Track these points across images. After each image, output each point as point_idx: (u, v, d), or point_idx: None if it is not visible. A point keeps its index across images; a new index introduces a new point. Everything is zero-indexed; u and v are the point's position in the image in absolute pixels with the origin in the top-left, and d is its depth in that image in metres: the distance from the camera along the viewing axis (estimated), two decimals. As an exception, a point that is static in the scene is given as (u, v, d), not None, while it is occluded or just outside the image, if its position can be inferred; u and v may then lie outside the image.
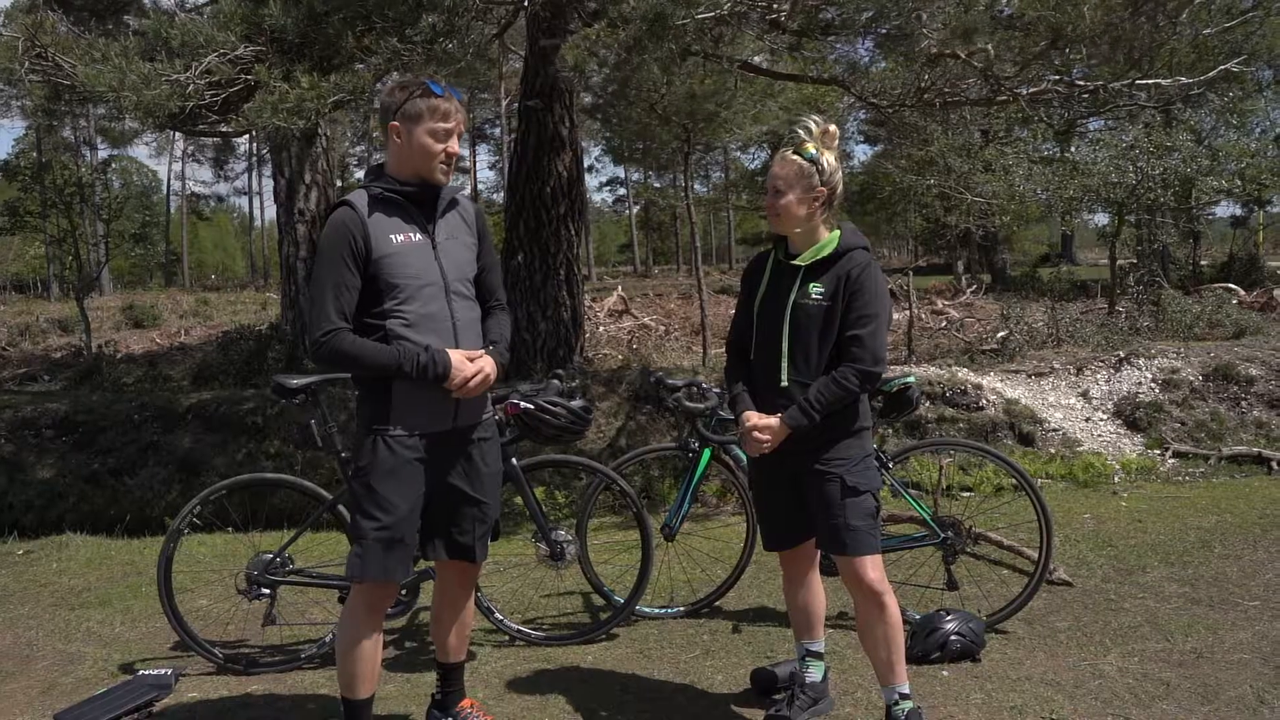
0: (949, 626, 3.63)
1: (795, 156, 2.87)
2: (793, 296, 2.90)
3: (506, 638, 4.04)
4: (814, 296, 2.87)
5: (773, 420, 2.87)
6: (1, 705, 3.59)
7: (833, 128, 2.91)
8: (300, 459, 6.47)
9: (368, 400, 2.77)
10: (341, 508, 3.69)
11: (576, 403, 3.71)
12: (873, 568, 2.88)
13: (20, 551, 5.80)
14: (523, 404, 3.64)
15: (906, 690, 2.91)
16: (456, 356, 2.70)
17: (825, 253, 2.89)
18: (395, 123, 2.72)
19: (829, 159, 2.89)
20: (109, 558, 5.55)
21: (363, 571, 2.74)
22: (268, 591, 3.77)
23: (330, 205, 2.94)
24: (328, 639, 3.80)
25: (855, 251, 2.89)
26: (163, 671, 3.68)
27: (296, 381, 3.50)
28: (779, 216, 2.91)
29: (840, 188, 2.91)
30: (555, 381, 3.88)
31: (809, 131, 2.90)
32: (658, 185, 52.88)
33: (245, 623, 4.10)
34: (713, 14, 5.59)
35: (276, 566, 3.78)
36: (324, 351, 2.65)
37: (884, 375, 2.97)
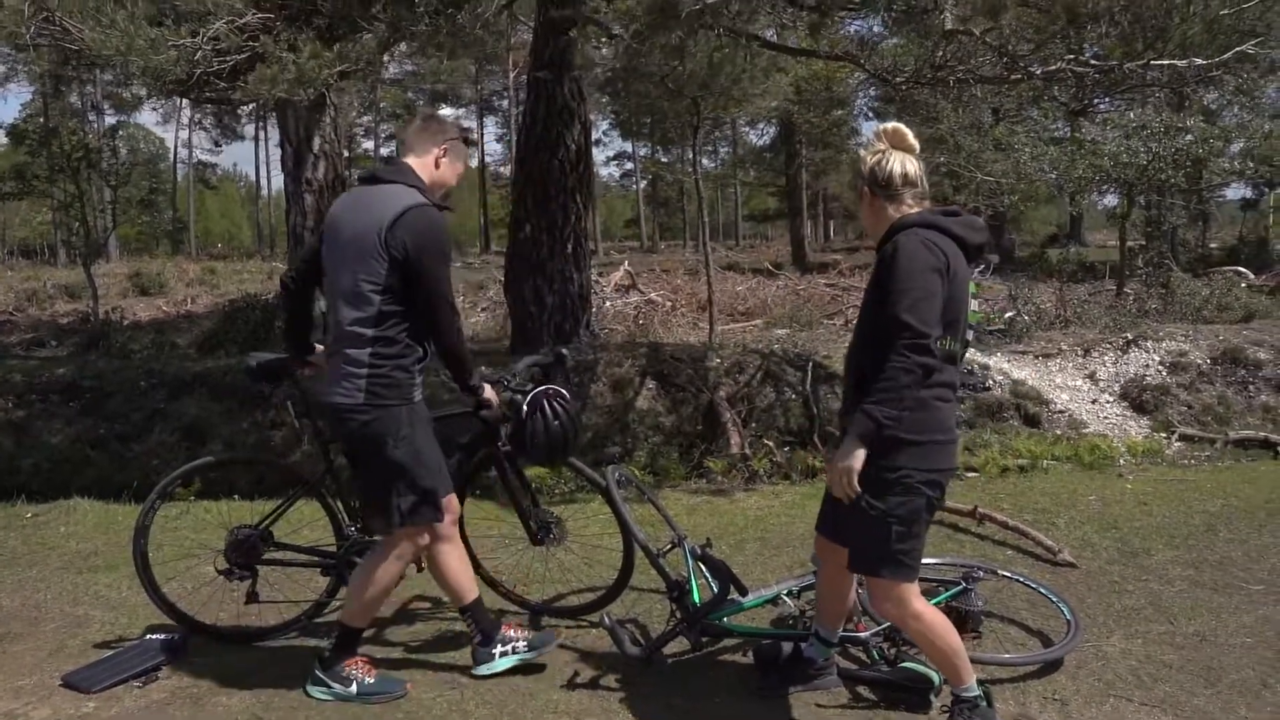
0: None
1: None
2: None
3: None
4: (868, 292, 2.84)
5: (838, 459, 2.70)
6: (10, 666, 3.62)
7: (888, 126, 2.91)
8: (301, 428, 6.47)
9: (395, 376, 3.16)
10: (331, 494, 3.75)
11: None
12: (884, 596, 2.87)
13: (28, 515, 5.83)
14: (545, 402, 3.54)
15: (965, 692, 2.87)
16: None
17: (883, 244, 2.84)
18: (447, 146, 3.37)
19: (870, 157, 2.89)
20: (116, 523, 5.57)
21: (423, 516, 3.25)
22: (248, 573, 3.76)
23: (429, 206, 3.18)
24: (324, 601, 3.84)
25: (897, 235, 2.76)
26: (171, 636, 3.70)
27: (262, 359, 3.55)
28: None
29: (889, 177, 2.84)
30: (517, 396, 3.65)
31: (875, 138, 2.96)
32: (665, 160, 52.70)
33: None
34: (727, -2, 5.52)
35: (256, 545, 3.75)
36: (458, 342, 3.25)
37: (934, 343, 2.61)
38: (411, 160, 3.33)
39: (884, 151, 2.88)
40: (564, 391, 3.61)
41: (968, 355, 7.26)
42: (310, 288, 3.48)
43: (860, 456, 2.65)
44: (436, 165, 3.35)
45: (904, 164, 2.85)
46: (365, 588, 3.33)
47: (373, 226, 3.11)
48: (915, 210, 2.84)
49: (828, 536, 3.09)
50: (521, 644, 3.48)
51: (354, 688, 3.33)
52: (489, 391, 3.54)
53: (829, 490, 2.91)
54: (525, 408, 3.54)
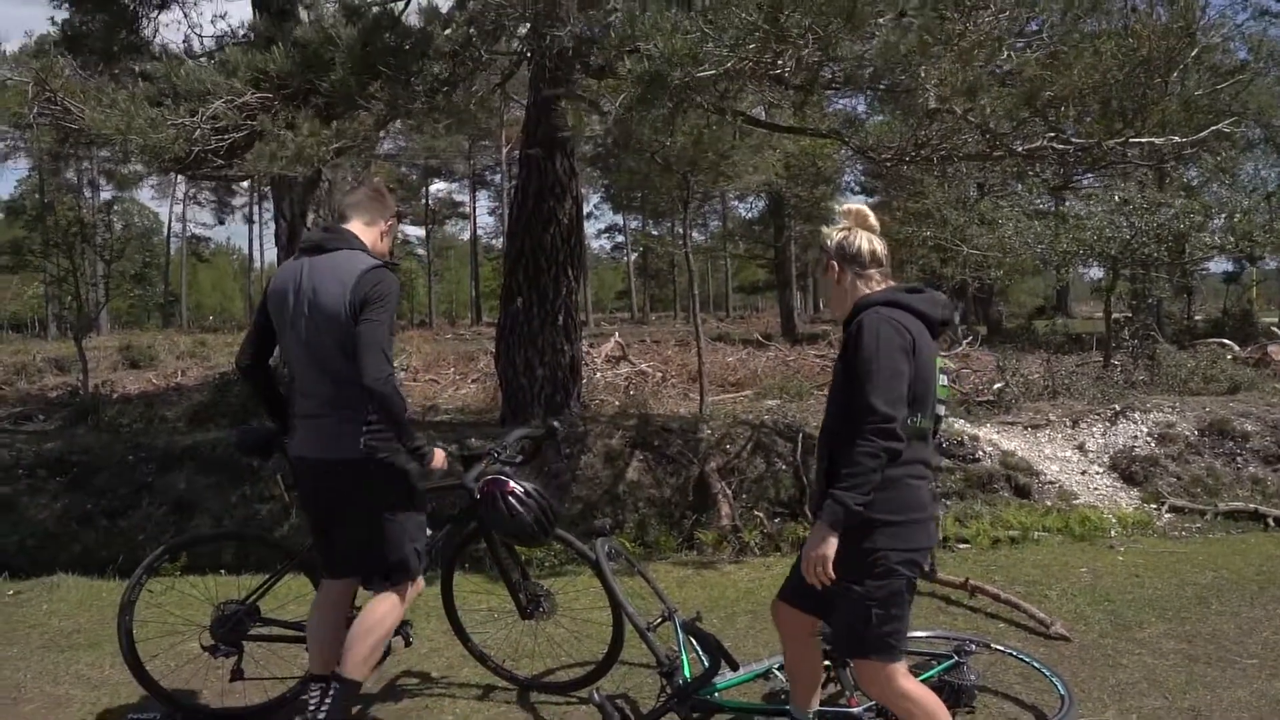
0: None
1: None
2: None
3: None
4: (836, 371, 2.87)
5: (809, 547, 2.71)
6: (-13, 749, 3.54)
7: (851, 207, 3.01)
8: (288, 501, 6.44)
9: (384, 427, 3.20)
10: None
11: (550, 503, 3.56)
12: (872, 678, 2.86)
13: (10, 592, 5.75)
14: (512, 484, 3.45)
15: None
16: None
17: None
18: (391, 222, 3.58)
19: (837, 233, 2.97)
20: (100, 599, 5.50)
21: (419, 570, 3.39)
22: (234, 649, 3.69)
23: (384, 267, 3.31)
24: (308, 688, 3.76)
25: (863, 314, 2.78)
26: (153, 715, 3.64)
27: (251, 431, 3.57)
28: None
29: (857, 252, 2.91)
30: (506, 468, 3.63)
31: (840, 216, 3.04)
32: (655, 233, 53.30)
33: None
34: (712, 73, 5.66)
35: (242, 621, 3.70)
36: (390, 385, 3.14)
37: (901, 417, 2.63)
38: (357, 226, 3.44)
39: (850, 229, 2.96)
40: (512, 483, 3.47)
41: (957, 426, 7.33)
42: (265, 364, 3.55)
43: (832, 544, 2.67)
44: (381, 238, 3.52)
45: (871, 241, 2.93)
46: (367, 633, 3.29)
47: (340, 294, 3.19)
48: (881, 288, 2.90)
49: (789, 602, 3.05)
50: None
51: None
52: (437, 455, 3.40)
53: (799, 561, 2.89)
54: (477, 495, 3.50)
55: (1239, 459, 7.31)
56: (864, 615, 2.75)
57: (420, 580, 3.47)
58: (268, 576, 3.82)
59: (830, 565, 2.68)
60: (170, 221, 52.78)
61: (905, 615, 2.84)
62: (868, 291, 2.89)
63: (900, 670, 2.83)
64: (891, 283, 2.94)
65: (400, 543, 3.32)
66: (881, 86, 6.90)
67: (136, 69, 7.99)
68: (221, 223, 56.61)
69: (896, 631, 2.80)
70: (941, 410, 2.89)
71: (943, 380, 2.86)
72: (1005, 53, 5.57)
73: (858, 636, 2.80)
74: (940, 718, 2.82)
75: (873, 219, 2.99)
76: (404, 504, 3.30)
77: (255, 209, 52.48)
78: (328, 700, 3.23)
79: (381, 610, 3.33)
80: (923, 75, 6.02)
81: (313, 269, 3.30)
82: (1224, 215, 12.88)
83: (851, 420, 2.66)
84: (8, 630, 5.01)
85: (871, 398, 2.60)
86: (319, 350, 3.24)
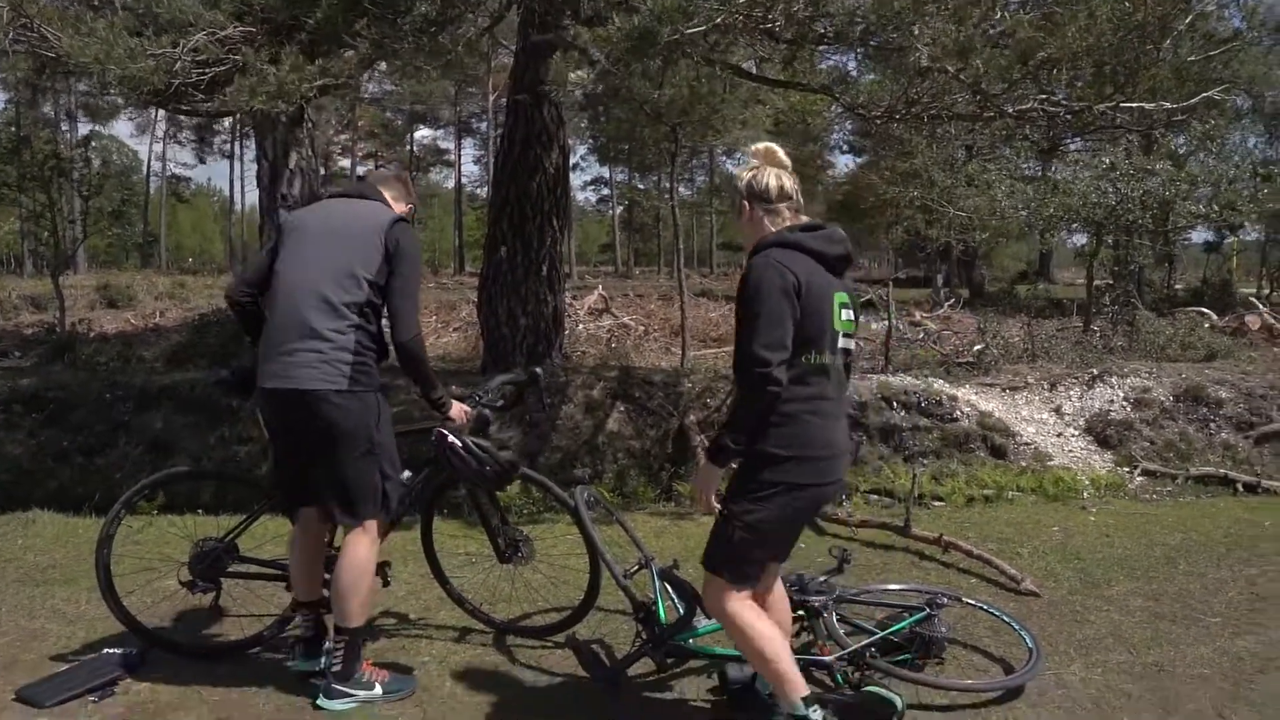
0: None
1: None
2: None
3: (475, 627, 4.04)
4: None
5: (696, 480, 2.94)
6: (-38, 679, 3.54)
7: (760, 146, 3.02)
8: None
9: (369, 366, 3.28)
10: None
11: (505, 454, 3.57)
12: (713, 593, 2.92)
13: (-15, 527, 5.73)
14: (451, 438, 3.48)
15: (793, 710, 2.85)
16: None
17: None
18: (411, 207, 3.69)
19: (746, 173, 2.99)
20: (76, 535, 5.48)
21: (389, 511, 3.42)
22: (212, 585, 3.70)
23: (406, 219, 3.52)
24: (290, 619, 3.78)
25: (755, 255, 2.84)
26: (130, 650, 3.65)
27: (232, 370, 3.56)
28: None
29: (765, 189, 2.90)
30: (486, 411, 3.71)
31: (750, 156, 3.05)
32: (642, 187, 53.02)
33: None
34: (703, 28, 5.58)
35: (221, 558, 3.70)
36: (420, 344, 3.36)
37: (782, 361, 2.66)
38: (387, 197, 3.57)
39: (759, 167, 2.97)
40: (451, 437, 3.48)
41: (936, 386, 7.38)
42: (260, 300, 3.53)
43: (714, 476, 2.83)
44: (410, 195, 3.74)
45: (779, 178, 2.93)
46: (352, 582, 3.32)
47: (373, 224, 3.35)
48: (790, 223, 2.91)
49: None
50: (377, 687, 3.39)
51: (378, 689, 3.36)
52: (455, 407, 3.57)
53: None
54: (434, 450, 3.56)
55: (1212, 425, 7.40)
56: (726, 533, 2.85)
57: (387, 519, 3.47)
58: (246, 515, 3.82)
59: (711, 496, 2.85)
60: (150, 160, 52.08)
61: (771, 547, 2.91)
62: (772, 230, 2.89)
63: (741, 597, 2.89)
64: (804, 218, 2.94)
65: (363, 479, 3.31)
66: (873, 44, 6.85)
67: (115, 1, 7.81)
68: (202, 161, 55.81)
69: (755, 560, 2.88)
70: (848, 344, 2.90)
71: (845, 315, 2.86)
72: (999, 12, 5.51)
73: (714, 550, 2.91)
74: (770, 648, 2.84)
75: (782, 155, 2.99)
76: (368, 441, 3.28)
77: (236, 148, 51.80)
78: (337, 654, 3.34)
79: (359, 557, 3.33)
80: (915, 34, 5.97)
81: (347, 206, 3.51)
82: (1209, 184, 12.91)
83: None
84: (-17, 564, 5.00)
85: (748, 342, 2.68)
86: (320, 274, 3.27)
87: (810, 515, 2.90)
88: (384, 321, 3.39)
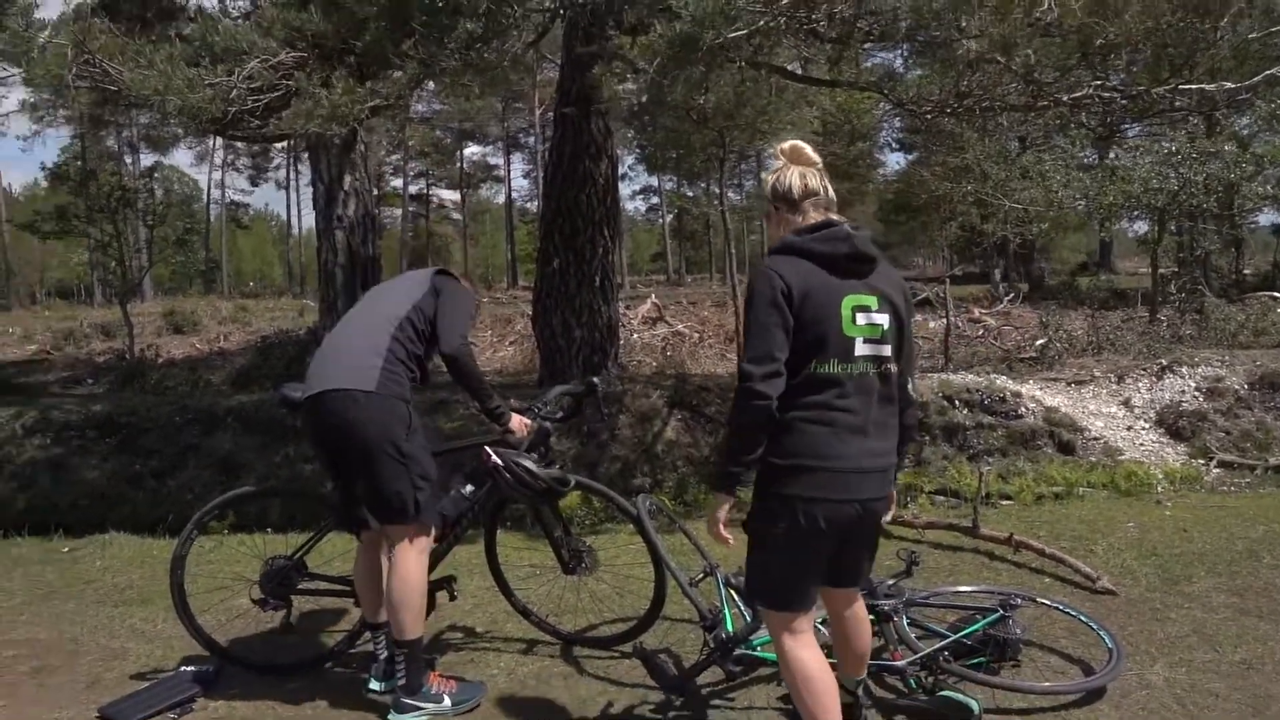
0: None
1: None
2: None
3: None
4: None
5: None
6: (48, 699, 3.64)
7: (785, 144, 2.83)
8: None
9: (400, 377, 3.38)
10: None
11: (550, 471, 3.58)
12: (767, 620, 2.79)
13: (65, 549, 5.90)
14: (495, 459, 3.50)
15: None
16: None
17: None
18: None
19: (771, 176, 2.81)
20: (151, 556, 5.62)
21: (431, 513, 3.43)
22: (283, 603, 3.77)
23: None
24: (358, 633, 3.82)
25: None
26: (205, 668, 3.72)
27: (297, 389, 3.56)
28: None
29: (788, 189, 2.73)
30: (546, 424, 3.75)
31: (775, 156, 2.88)
32: (691, 194, 52.95)
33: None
34: (745, 31, 5.54)
35: (290, 575, 3.76)
36: (466, 350, 3.43)
37: (769, 374, 2.51)
38: None
39: (784, 167, 2.79)
40: (495, 457, 3.51)
41: (999, 383, 7.23)
42: None
43: (718, 503, 2.69)
44: None
45: (803, 177, 2.74)
46: (402, 596, 3.34)
47: (419, 276, 3.67)
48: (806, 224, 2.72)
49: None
50: (446, 699, 3.39)
51: (447, 701, 3.38)
52: (515, 420, 3.60)
53: None
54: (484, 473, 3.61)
55: (1291, 413, 7.15)
56: (750, 556, 2.72)
57: (430, 531, 3.47)
58: (313, 532, 3.87)
59: (719, 526, 2.68)
60: (209, 189, 53.37)
61: (784, 567, 2.66)
62: (790, 232, 2.74)
63: (795, 625, 2.67)
64: (834, 215, 2.73)
65: (392, 486, 3.31)
66: (918, 40, 6.76)
67: (171, 33, 8.02)
68: (255, 185, 56.98)
69: (785, 582, 2.67)
70: (877, 350, 2.62)
71: (864, 320, 2.59)
72: (1045, 2, 5.40)
73: (748, 576, 2.80)
74: (805, 695, 2.64)
75: (809, 151, 2.79)
76: (394, 447, 3.30)
77: (292, 174, 52.87)
78: (400, 667, 3.37)
79: (406, 569, 3.35)
80: (960, 28, 5.88)
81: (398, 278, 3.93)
82: (1277, 165, 12.53)
83: None
84: (64, 586, 5.15)
85: (742, 360, 2.57)
86: (374, 314, 3.57)
87: (831, 535, 2.62)
88: (430, 350, 3.54)
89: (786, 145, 2.83)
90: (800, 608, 2.68)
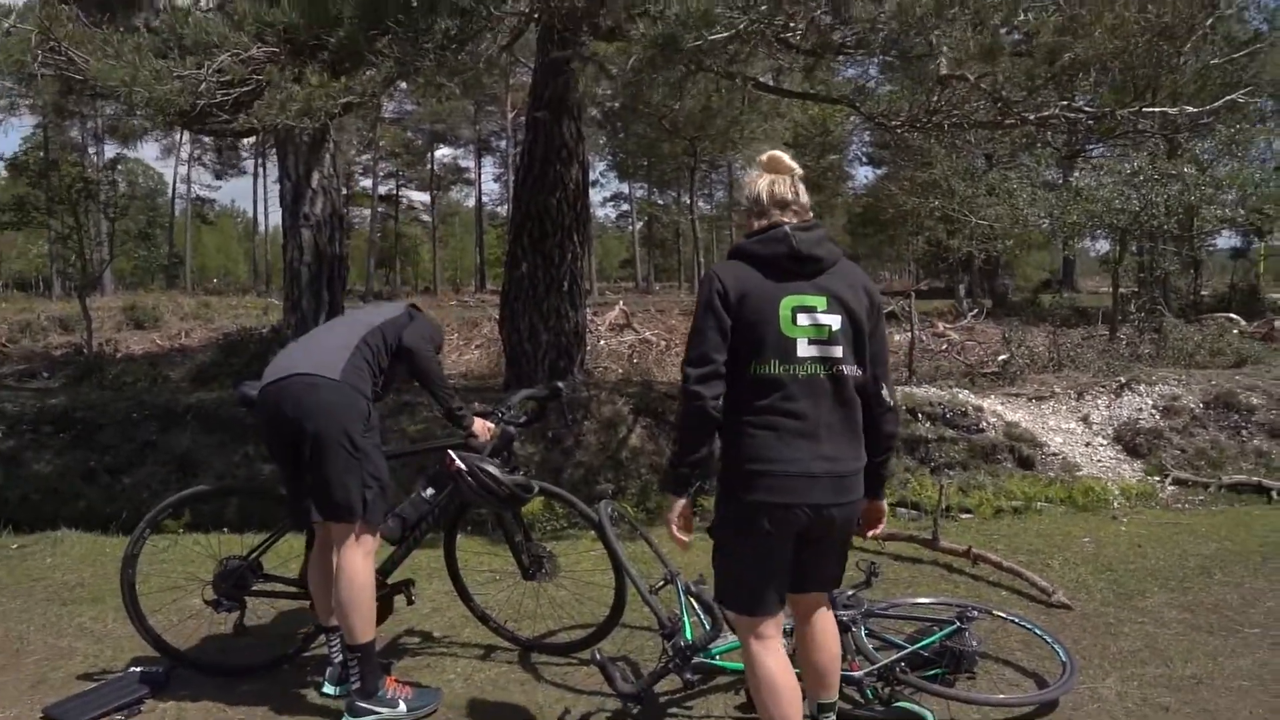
0: None
1: None
2: None
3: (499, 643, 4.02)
4: None
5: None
6: (-9, 698, 3.56)
7: (765, 155, 2.85)
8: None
9: (364, 373, 3.41)
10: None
11: (514, 477, 3.57)
12: (734, 622, 2.84)
13: (14, 546, 5.77)
14: (459, 463, 3.48)
15: None
16: None
17: None
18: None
19: (746, 186, 2.85)
20: (103, 554, 5.51)
21: (378, 514, 3.36)
22: (236, 604, 3.71)
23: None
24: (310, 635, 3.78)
25: None
26: (155, 669, 3.65)
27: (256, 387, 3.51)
28: None
29: (756, 196, 2.76)
30: (510, 428, 3.74)
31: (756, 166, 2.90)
32: (661, 202, 53.14)
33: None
34: (725, 35, 5.57)
35: (245, 576, 3.70)
36: (429, 351, 3.57)
37: (704, 376, 2.55)
38: None
39: (758, 175, 2.81)
40: (458, 462, 3.50)
41: (961, 397, 7.31)
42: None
43: (669, 504, 2.74)
44: None
45: (771, 184, 2.75)
46: (350, 598, 3.28)
47: (399, 303, 3.77)
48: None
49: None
50: (401, 704, 3.35)
51: (402, 707, 3.33)
52: (478, 423, 3.59)
53: None
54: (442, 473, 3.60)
55: (1244, 432, 7.29)
56: (713, 563, 2.79)
57: (375, 533, 3.41)
58: (270, 533, 3.82)
59: (674, 529, 2.74)
60: (175, 183, 52.70)
61: (744, 571, 2.68)
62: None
63: (760, 630, 2.67)
64: (785, 219, 2.71)
65: (343, 479, 3.26)
66: (894, 52, 6.83)
67: (139, 24, 7.91)
68: (219, 177, 56.31)
69: (745, 584, 2.68)
70: (826, 351, 2.60)
71: (807, 320, 2.58)
72: (1021, 14, 5.47)
73: (715, 577, 2.80)
74: (766, 698, 2.64)
75: (786, 160, 2.80)
76: (349, 440, 3.27)
77: (259, 168, 52.33)
78: (354, 670, 3.32)
79: (353, 570, 3.29)
80: (936, 39, 5.94)
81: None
82: (1235, 188, 12.78)
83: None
84: (11, 583, 5.04)
85: (684, 362, 2.63)
86: (350, 317, 3.72)
87: (784, 540, 2.62)
88: (394, 368, 3.59)
89: (765, 156, 2.85)
90: (763, 612, 2.66)
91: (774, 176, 2.77)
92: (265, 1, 5.28)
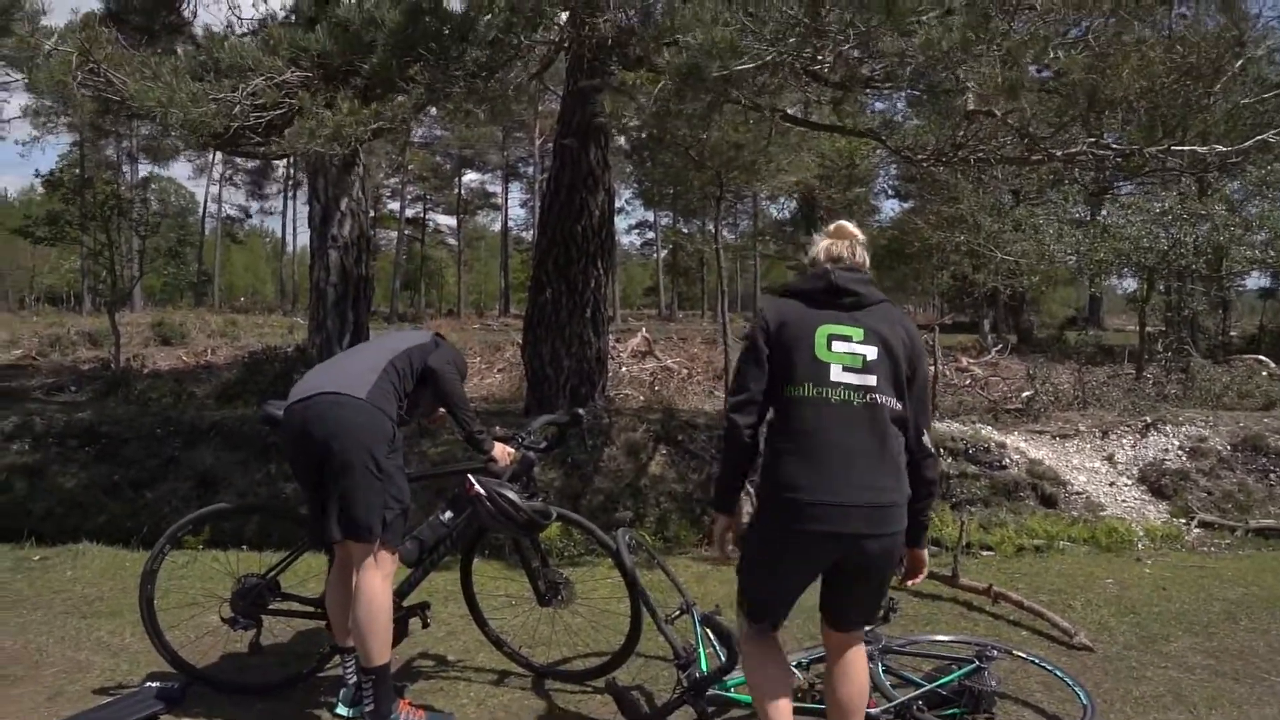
0: None
1: None
2: None
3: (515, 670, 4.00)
4: None
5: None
6: (8, 710, 3.58)
7: (832, 225, 2.99)
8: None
9: (390, 397, 3.42)
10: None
11: (533, 503, 3.56)
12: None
13: (36, 557, 5.82)
14: (478, 488, 3.48)
15: None
16: None
17: None
18: None
19: (811, 245, 2.98)
20: (123, 568, 5.55)
21: (396, 536, 3.36)
22: (253, 623, 3.72)
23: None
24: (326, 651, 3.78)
25: None
26: (171, 685, 3.66)
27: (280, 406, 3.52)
28: None
29: (814, 259, 2.91)
30: (530, 453, 3.74)
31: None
32: (686, 230, 53.24)
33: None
34: (753, 66, 5.61)
35: (262, 595, 3.71)
36: (452, 373, 3.57)
37: (739, 404, 2.73)
38: None
39: (819, 239, 2.96)
40: (477, 486, 3.50)
41: (984, 433, 7.24)
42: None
43: (719, 522, 2.90)
44: None
45: (830, 245, 2.90)
46: (368, 620, 3.28)
47: (425, 331, 3.82)
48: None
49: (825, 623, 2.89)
50: None
51: None
52: (498, 448, 3.60)
53: None
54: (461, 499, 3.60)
55: (1272, 475, 7.18)
56: (738, 565, 2.88)
57: (394, 554, 3.41)
58: (289, 552, 3.83)
59: (719, 545, 2.89)
60: (206, 202, 53.40)
61: (758, 581, 2.80)
62: None
63: (760, 638, 2.82)
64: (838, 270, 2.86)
65: (365, 499, 3.26)
66: (922, 86, 6.85)
67: (177, 50, 8.06)
68: (252, 200, 57.14)
69: (757, 595, 2.81)
70: (861, 380, 2.65)
71: (842, 347, 2.67)
72: (1051, 53, 5.47)
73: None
74: (759, 701, 2.79)
75: (849, 228, 2.93)
76: (373, 459, 3.28)
77: (288, 195, 52.96)
78: (368, 692, 3.31)
79: (371, 592, 3.29)
80: (963, 74, 5.94)
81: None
82: (1265, 229, 12.66)
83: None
84: (33, 595, 5.07)
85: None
86: (377, 343, 3.75)
87: (804, 565, 2.70)
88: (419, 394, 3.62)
89: (832, 225, 3.00)
90: (768, 622, 2.82)
91: (832, 241, 2.92)
92: (300, 28, 5.38)
